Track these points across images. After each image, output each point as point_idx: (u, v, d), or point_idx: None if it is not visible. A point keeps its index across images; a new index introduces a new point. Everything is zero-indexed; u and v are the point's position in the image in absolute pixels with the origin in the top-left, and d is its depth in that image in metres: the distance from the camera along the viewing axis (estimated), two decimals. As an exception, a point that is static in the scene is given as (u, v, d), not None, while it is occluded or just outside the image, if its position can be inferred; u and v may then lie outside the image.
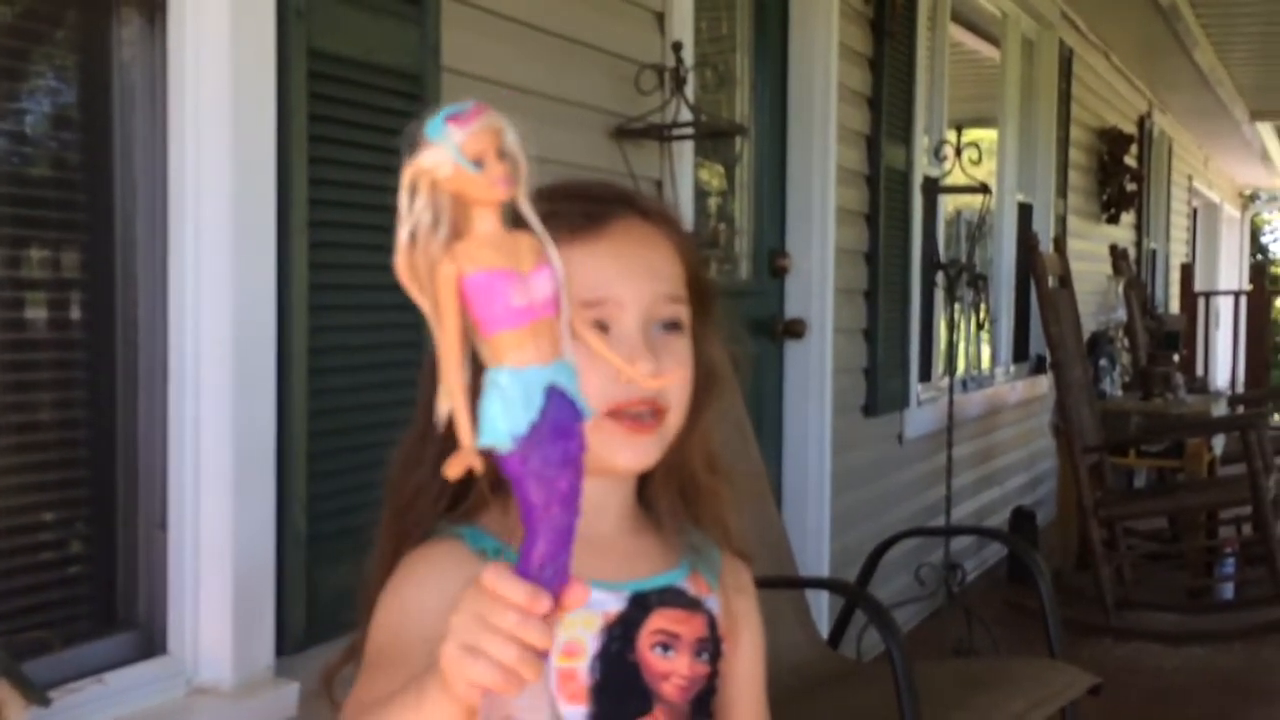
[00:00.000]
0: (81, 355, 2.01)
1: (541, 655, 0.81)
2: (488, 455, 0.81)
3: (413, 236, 0.79)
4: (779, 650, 2.96)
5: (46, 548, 2.00)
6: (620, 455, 1.13)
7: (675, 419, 1.15)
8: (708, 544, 1.25)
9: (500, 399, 0.79)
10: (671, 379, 1.14)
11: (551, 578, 0.81)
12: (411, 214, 0.79)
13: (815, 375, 4.31)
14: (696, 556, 1.22)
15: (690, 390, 1.17)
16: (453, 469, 0.81)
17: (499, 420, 0.79)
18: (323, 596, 2.10)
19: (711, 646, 1.20)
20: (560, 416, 0.80)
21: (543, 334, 0.80)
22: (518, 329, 0.79)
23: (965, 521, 5.79)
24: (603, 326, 1.12)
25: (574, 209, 1.15)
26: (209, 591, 2.01)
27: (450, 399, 0.80)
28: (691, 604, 1.20)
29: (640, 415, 1.12)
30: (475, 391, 0.81)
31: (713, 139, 3.71)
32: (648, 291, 1.14)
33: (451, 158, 0.77)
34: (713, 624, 1.21)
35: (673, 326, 1.16)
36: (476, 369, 0.81)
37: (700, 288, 1.21)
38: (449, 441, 1.14)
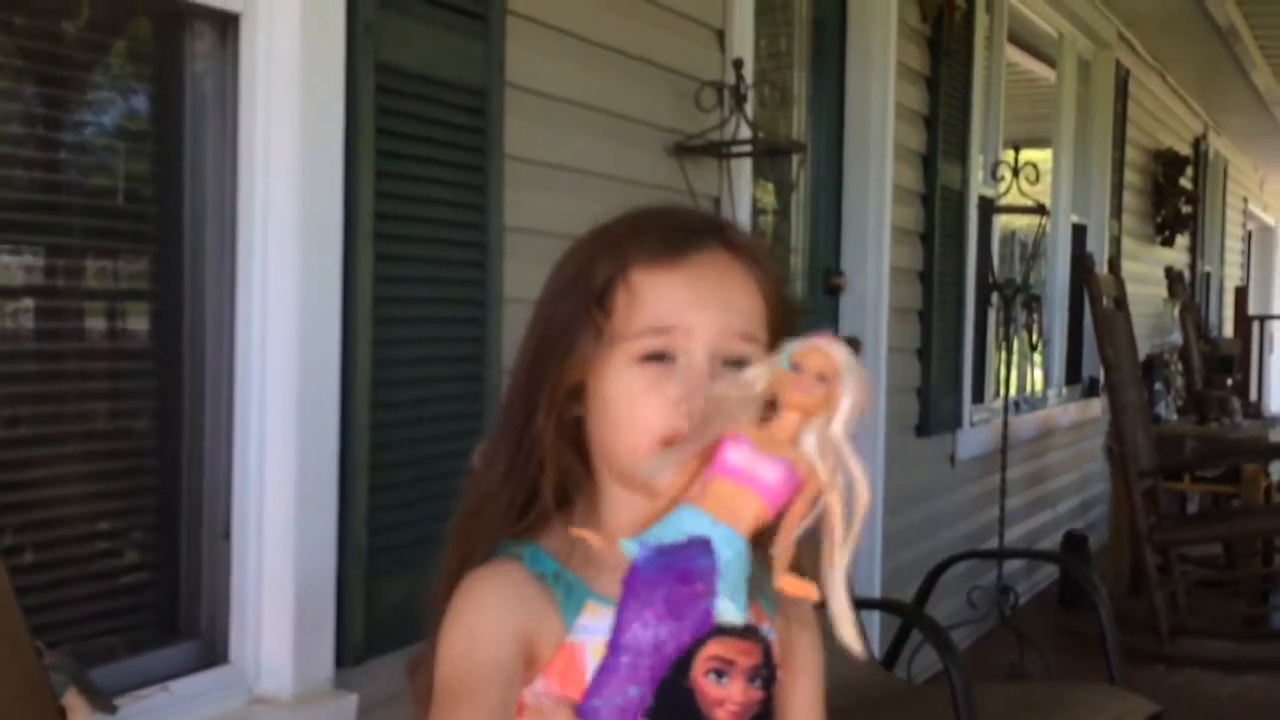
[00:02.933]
0: (149, 365, 2.03)
1: None
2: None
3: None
4: (834, 671, 2.94)
5: (112, 555, 2.02)
6: (669, 481, 1.12)
7: None
8: (764, 571, 1.24)
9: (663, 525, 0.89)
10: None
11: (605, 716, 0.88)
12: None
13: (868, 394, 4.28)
14: (753, 585, 1.21)
15: None
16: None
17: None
18: (382, 609, 2.10)
19: (766, 673, 1.19)
20: (686, 568, 0.89)
21: (742, 503, 0.90)
22: (725, 478, 0.89)
23: (1016, 545, 5.74)
24: (670, 356, 1.12)
25: (659, 235, 1.15)
26: (271, 602, 2.02)
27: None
28: (747, 632, 1.19)
29: None
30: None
31: (770, 157, 3.71)
32: (719, 324, 1.12)
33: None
34: (767, 651, 1.20)
35: (741, 364, 1.14)
36: None
37: (784, 327, 1.20)
38: (520, 450, 1.15)
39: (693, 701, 1.14)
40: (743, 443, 0.88)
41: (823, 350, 0.89)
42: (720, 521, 0.86)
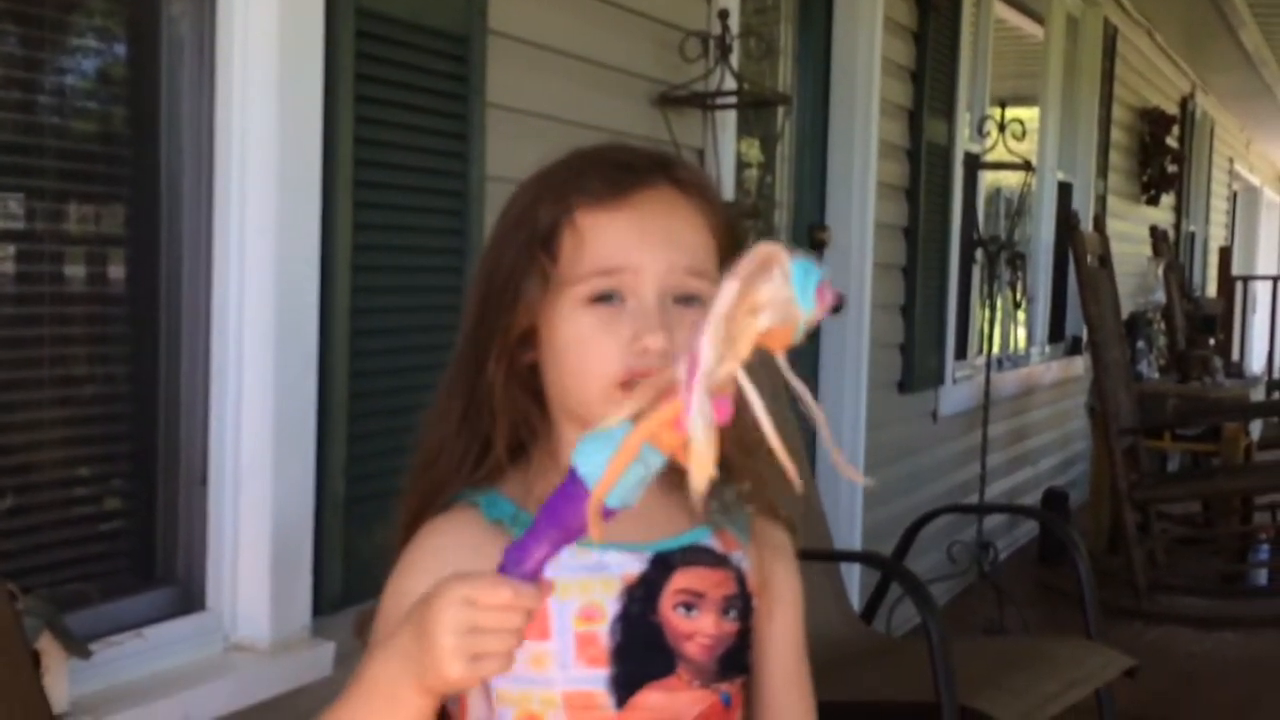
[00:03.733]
0: (125, 311, 2.02)
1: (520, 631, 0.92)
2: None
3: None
4: (813, 623, 2.94)
5: (88, 502, 2.01)
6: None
7: None
8: (738, 502, 1.23)
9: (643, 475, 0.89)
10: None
11: (533, 573, 0.91)
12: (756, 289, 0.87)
13: (851, 350, 4.29)
14: (724, 514, 1.21)
15: None
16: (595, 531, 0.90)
17: (634, 491, 0.90)
18: (360, 557, 2.10)
19: (741, 603, 1.19)
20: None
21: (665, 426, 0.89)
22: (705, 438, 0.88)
23: (997, 501, 5.76)
24: (619, 296, 1.11)
25: (602, 175, 1.14)
26: (248, 549, 2.02)
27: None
28: (718, 560, 1.18)
29: None
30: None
31: (755, 109, 3.69)
32: (666, 262, 1.12)
33: (799, 325, 0.86)
34: (742, 580, 1.20)
35: (693, 300, 1.13)
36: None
37: (734, 261, 1.19)
38: (473, 400, 1.14)
39: (661, 636, 1.14)
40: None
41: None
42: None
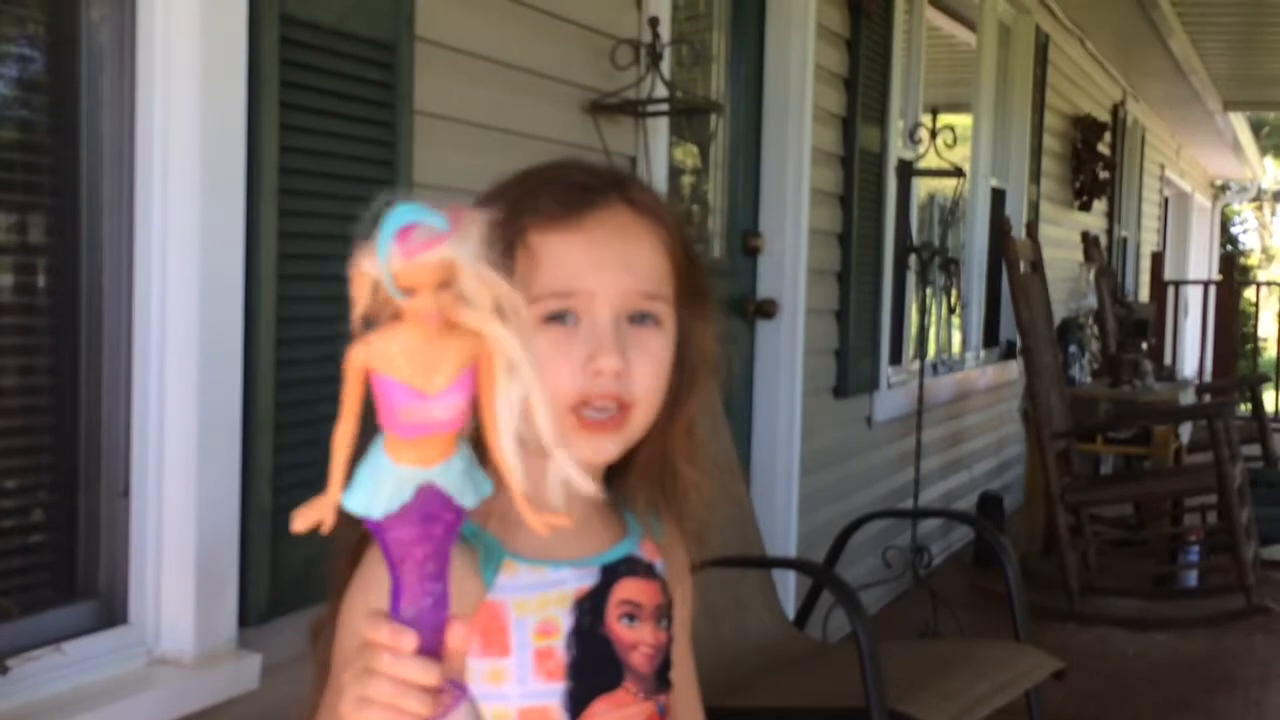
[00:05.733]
0: (45, 321, 1.99)
1: (425, 690, 0.82)
2: None
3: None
4: (746, 630, 2.96)
5: (6, 515, 1.98)
6: (575, 450, 1.11)
7: (643, 414, 1.14)
8: (654, 513, 1.24)
9: (372, 480, 0.79)
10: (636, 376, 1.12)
11: (420, 620, 0.82)
12: (359, 304, 0.77)
13: (786, 356, 4.31)
14: (644, 520, 1.22)
15: (664, 385, 1.15)
16: (301, 520, 0.80)
17: (362, 498, 0.79)
18: (287, 569, 2.08)
19: (668, 612, 1.21)
20: (428, 509, 0.81)
21: (432, 446, 0.79)
22: (403, 439, 0.79)
23: (933, 505, 5.81)
24: (573, 316, 1.11)
25: (556, 195, 1.13)
26: (171, 561, 1.99)
27: (335, 453, 0.79)
28: (648, 570, 1.20)
29: (603, 410, 1.11)
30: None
31: (688, 116, 3.70)
32: (620, 285, 1.12)
33: (384, 280, 0.75)
34: (665, 588, 1.21)
35: (647, 320, 1.14)
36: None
37: (690, 284, 1.19)
38: None
39: (611, 649, 1.15)
40: (386, 386, 0.79)
41: (439, 259, 0.75)
42: (419, 467, 0.80)
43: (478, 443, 0.81)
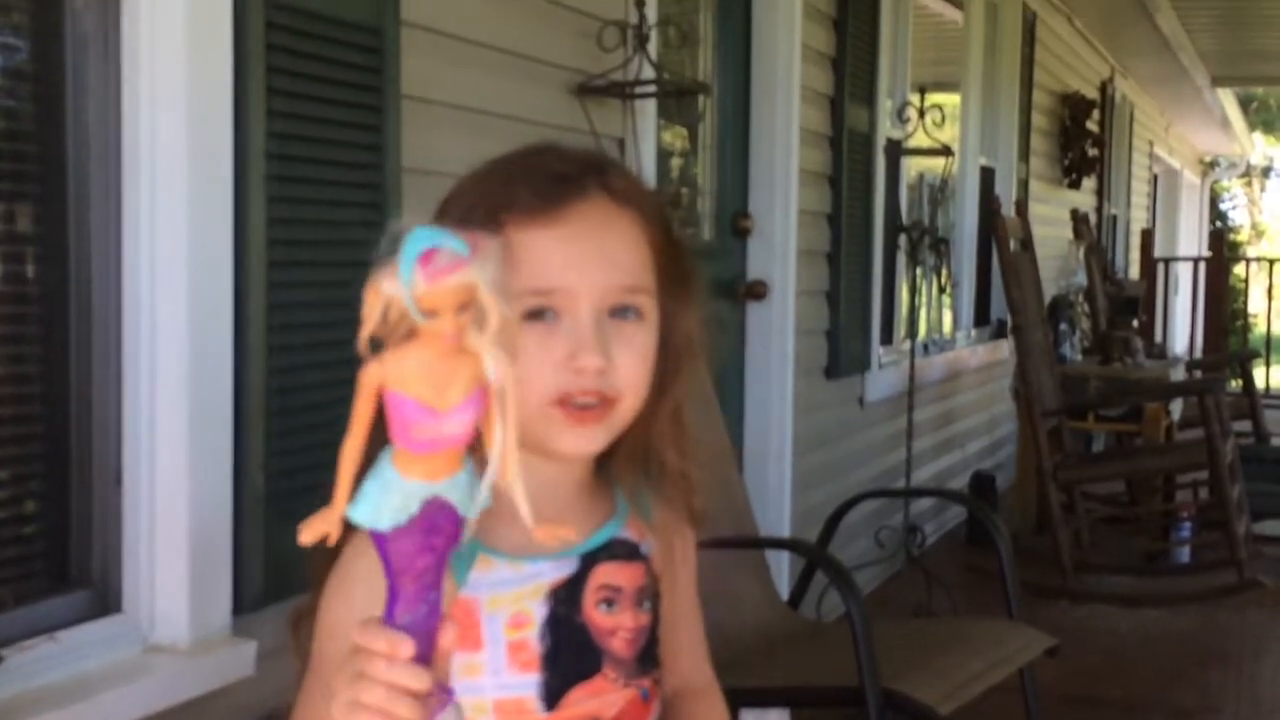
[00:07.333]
0: (34, 310, 1.98)
1: (416, 695, 0.84)
2: None
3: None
4: (740, 610, 2.97)
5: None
6: (562, 442, 1.12)
7: (628, 406, 1.13)
8: (643, 492, 1.24)
9: (379, 493, 0.82)
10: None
11: (414, 626, 0.85)
12: (370, 322, 0.79)
13: (777, 337, 4.31)
14: (631, 499, 1.22)
15: (649, 375, 1.15)
16: (308, 533, 0.82)
17: (369, 510, 0.82)
18: (281, 555, 2.08)
19: (651, 593, 1.20)
20: (433, 522, 0.83)
21: (440, 461, 0.82)
22: (414, 454, 0.82)
23: (925, 485, 5.82)
24: (554, 313, 1.10)
25: (533, 187, 1.12)
26: (165, 549, 1.99)
27: (342, 467, 0.82)
28: (631, 552, 1.19)
29: (587, 404, 1.10)
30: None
31: (676, 98, 3.69)
32: (601, 281, 1.11)
33: (406, 303, 0.78)
34: (650, 568, 1.21)
35: (629, 314, 1.13)
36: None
37: (673, 270, 1.18)
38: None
39: (588, 636, 1.15)
40: (400, 403, 0.81)
41: (461, 283, 0.78)
42: (426, 481, 0.84)
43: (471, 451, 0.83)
